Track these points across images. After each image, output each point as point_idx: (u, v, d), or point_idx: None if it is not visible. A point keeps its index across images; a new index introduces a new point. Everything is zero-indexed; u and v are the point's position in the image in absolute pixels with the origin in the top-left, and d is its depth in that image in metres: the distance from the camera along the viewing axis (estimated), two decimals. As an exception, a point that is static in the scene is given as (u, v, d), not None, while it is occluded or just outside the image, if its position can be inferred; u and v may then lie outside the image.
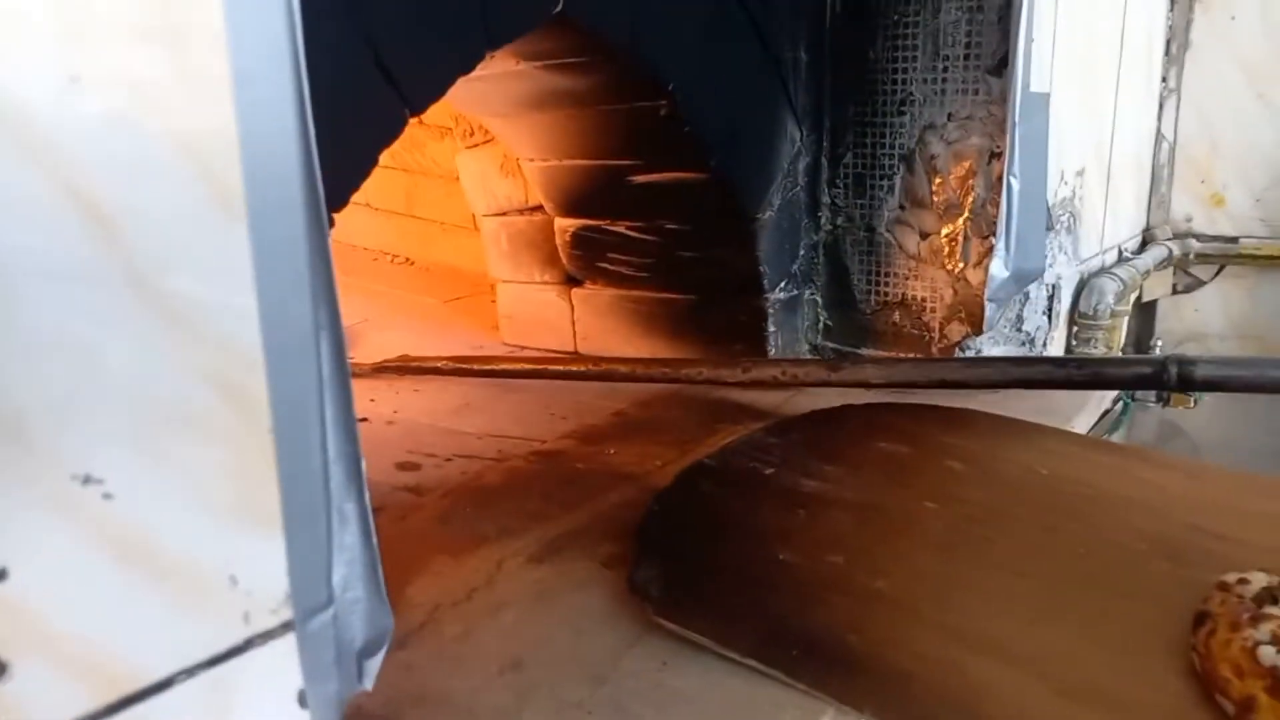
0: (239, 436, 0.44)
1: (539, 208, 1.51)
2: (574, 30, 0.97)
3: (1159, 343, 1.67)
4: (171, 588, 0.43)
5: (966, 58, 1.18)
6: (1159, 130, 1.79)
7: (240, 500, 0.45)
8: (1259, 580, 0.70)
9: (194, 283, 0.41)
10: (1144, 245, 1.78)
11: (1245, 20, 1.70)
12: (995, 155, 1.19)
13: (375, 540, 0.52)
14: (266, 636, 0.47)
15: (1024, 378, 0.78)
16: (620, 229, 1.40)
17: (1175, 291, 1.83)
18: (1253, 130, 1.74)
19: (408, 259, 2.39)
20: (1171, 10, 1.75)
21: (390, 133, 0.77)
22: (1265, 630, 0.63)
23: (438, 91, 0.80)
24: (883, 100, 1.26)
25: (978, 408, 1.16)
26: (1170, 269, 1.78)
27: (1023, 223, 1.22)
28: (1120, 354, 1.49)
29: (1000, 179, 1.19)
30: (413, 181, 2.25)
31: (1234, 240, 1.78)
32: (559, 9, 0.91)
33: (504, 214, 1.59)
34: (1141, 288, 1.68)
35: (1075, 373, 0.76)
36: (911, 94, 1.24)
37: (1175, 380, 0.69)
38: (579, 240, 1.47)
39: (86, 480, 0.40)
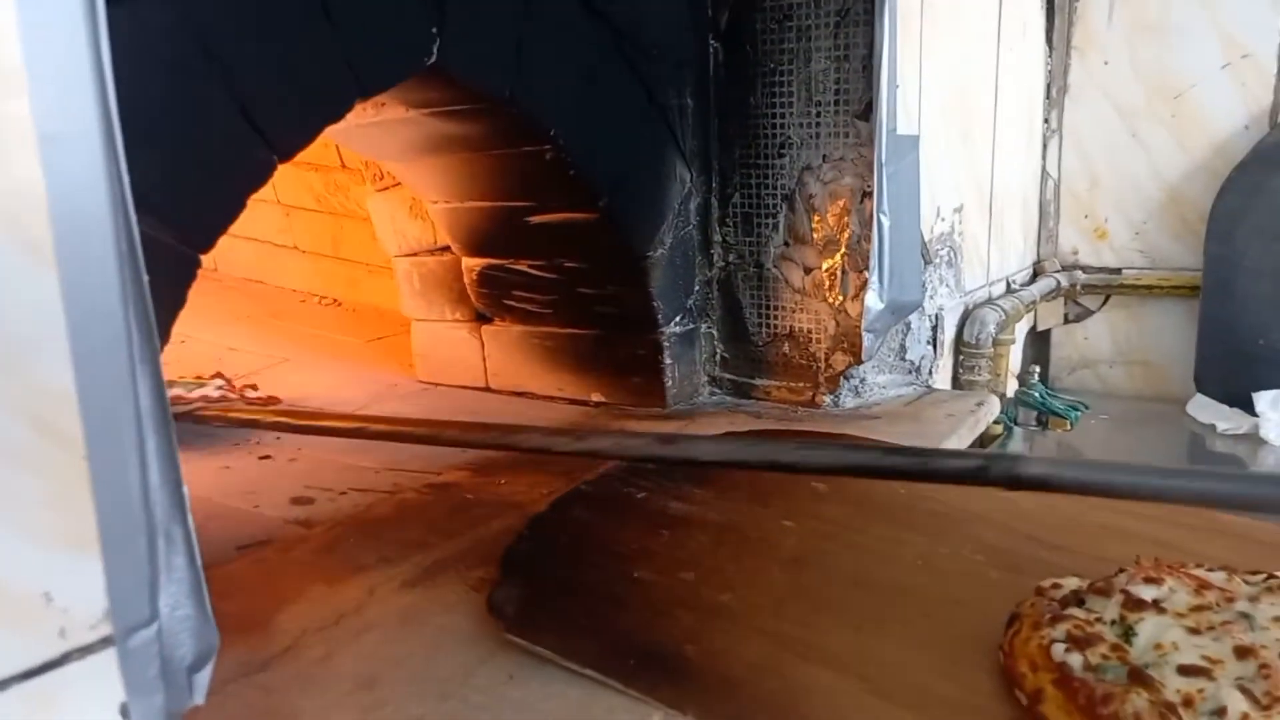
0: (54, 467, 0.48)
1: (447, 248, 1.55)
2: (451, 81, 1.02)
3: (1035, 370, 1.74)
4: (-15, 602, 0.46)
5: (836, 103, 1.26)
6: (1044, 168, 1.89)
7: (57, 525, 0.48)
8: (1070, 584, 0.76)
9: (5, 325, 0.45)
10: (1034, 277, 1.87)
11: (1117, 64, 1.81)
12: (867, 194, 1.26)
13: (199, 562, 0.55)
14: (85, 651, 0.50)
15: (855, 464, 0.83)
16: (523, 267, 1.45)
17: (1067, 320, 1.92)
18: (1129, 166, 1.84)
19: (335, 300, 2.42)
20: (1050, 56, 1.85)
21: (258, 178, 0.81)
22: (1061, 630, 0.68)
23: (306, 139, 0.85)
24: (764, 143, 1.33)
25: (855, 432, 1.22)
26: (1061, 299, 1.87)
27: (895, 257, 1.28)
28: (1005, 381, 1.56)
29: (872, 216, 1.25)
30: (339, 224, 2.29)
31: (1117, 271, 1.87)
32: (432, 60, 0.96)
33: (415, 254, 1.63)
34: (1036, 317, 1.77)
35: (902, 462, 0.82)
36: (789, 137, 1.31)
37: (999, 477, 0.74)
38: (485, 279, 1.51)
39: (-104, 506, 0.43)
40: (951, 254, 1.46)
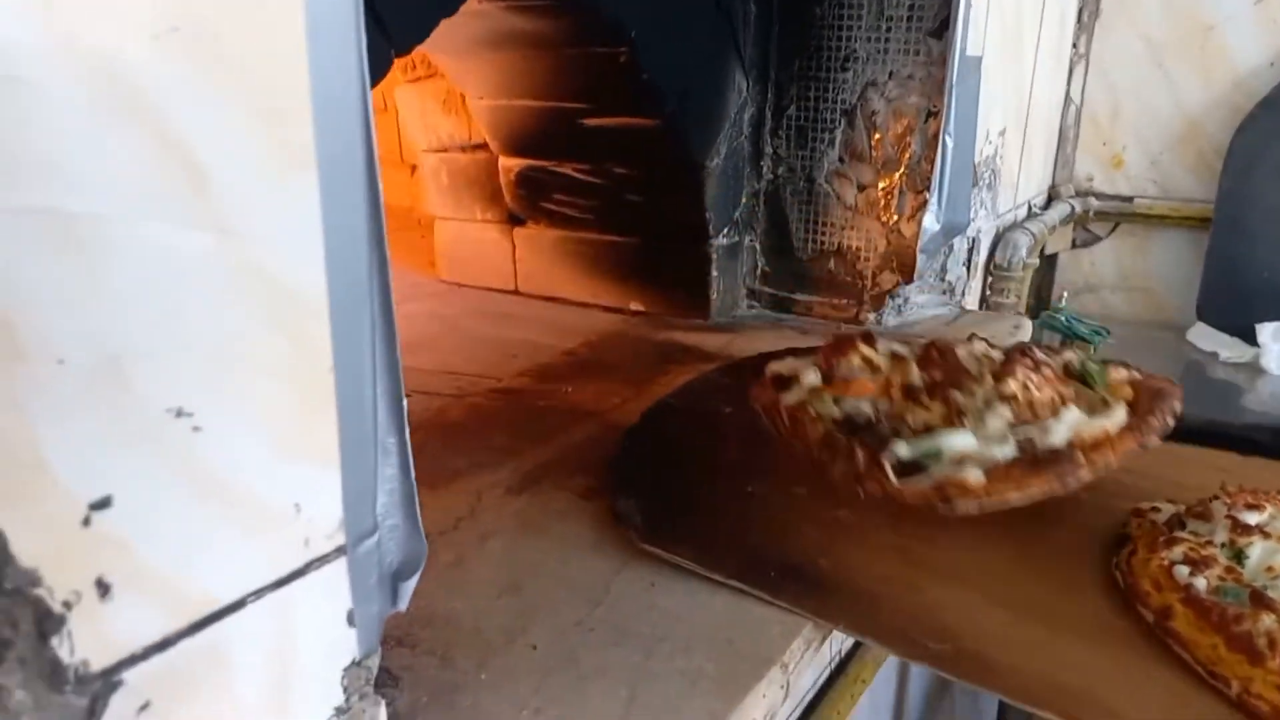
0: (305, 377, 0.47)
1: (483, 145, 1.51)
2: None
3: (1064, 295, 1.80)
4: (243, 516, 0.46)
5: (909, 19, 1.24)
6: (1068, 93, 1.91)
7: (304, 435, 0.48)
8: (1167, 509, 0.80)
9: (269, 233, 0.43)
10: (1049, 202, 1.90)
11: (1150, -6, 1.82)
12: (932, 114, 1.26)
13: (413, 473, 0.55)
14: (322, 561, 0.50)
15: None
16: (567, 171, 1.42)
17: (1074, 246, 1.97)
18: (1152, 98, 1.87)
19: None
20: (1086, -20, 1.85)
21: (378, 73, 0.78)
22: (1178, 552, 0.72)
23: (423, 34, 0.81)
24: (828, 56, 1.31)
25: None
26: (1071, 225, 1.91)
27: (954, 179, 1.30)
28: (1026, 303, 1.61)
29: (936, 137, 1.26)
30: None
31: (1129, 200, 1.92)
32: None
33: (445, 150, 1.58)
34: (1045, 241, 1.80)
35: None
36: (855, 51, 1.29)
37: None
38: (524, 180, 1.48)
39: (179, 414, 0.42)
40: (992, 177, 1.48)
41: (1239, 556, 0.72)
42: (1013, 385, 0.72)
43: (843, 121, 1.33)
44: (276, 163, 0.43)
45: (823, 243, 1.40)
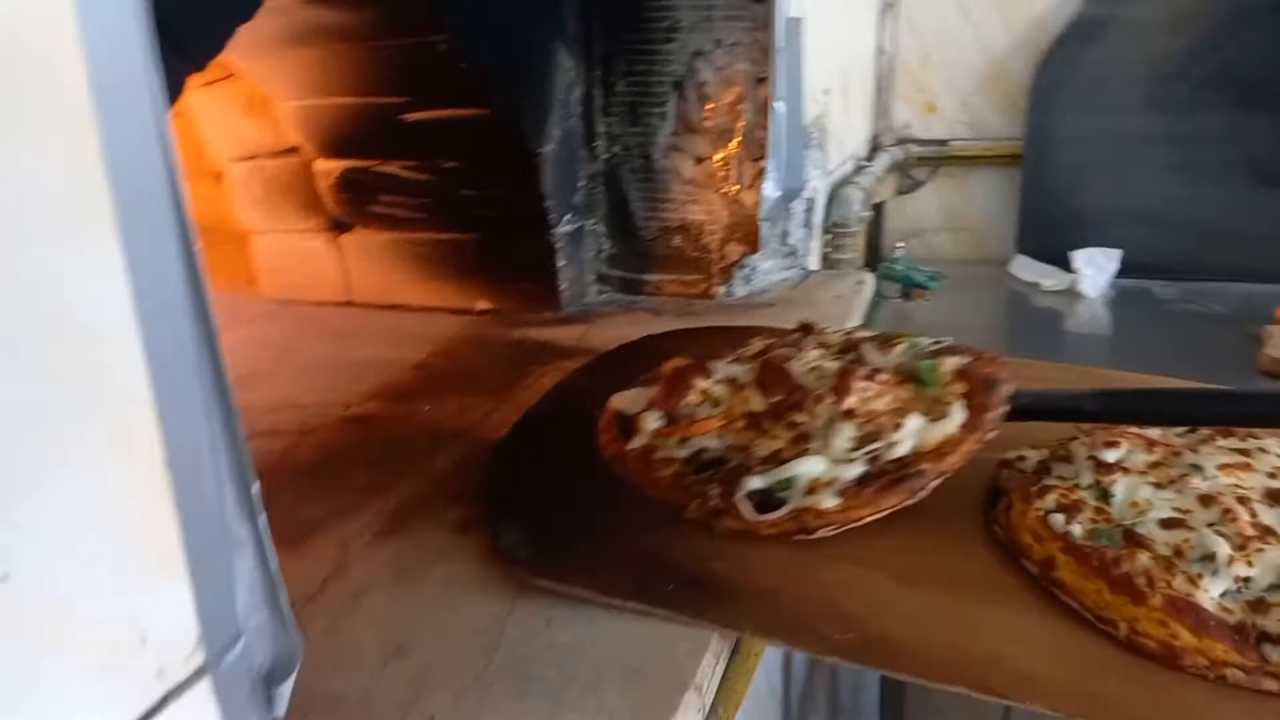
0: (137, 479, 0.40)
1: (295, 149, 1.40)
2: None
3: (900, 246, 1.85)
4: (77, 657, 0.39)
5: (729, -15, 1.22)
6: (881, 44, 1.95)
7: (145, 548, 0.41)
8: (1033, 456, 0.83)
9: (75, 318, 0.36)
10: (873, 153, 1.95)
11: (949, -60, 1.89)
12: (761, 80, 1.25)
13: (273, 561, 0.49)
14: (182, 689, 0.43)
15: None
16: (393, 169, 1.34)
17: (899, 193, 2.03)
18: (958, 43, 1.94)
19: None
20: (886, -69, 1.89)
21: (174, 93, 0.68)
22: (1051, 500, 0.74)
23: (219, 45, 0.72)
24: (652, 27, 1.28)
25: (759, 322, 1.25)
26: (894, 173, 1.97)
27: (788, 144, 1.30)
28: (863, 256, 1.64)
29: (767, 103, 1.25)
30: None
31: (945, 143, 2.00)
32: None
33: (253, 157, 1.46)
34: (874, 193, 1.85)
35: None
36: (679, 21, 1.26)
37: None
38: (346, 183, 1.39)
39: (-25, 568, 0.34)
40: (821, 136, 1.50)
41: (1105, 496, 0.75)
42: (851, 400, 0.73)
43: (674, 94, 1.30)
44: (69, 220, 0.36)
45: (665, 220, 1.37)
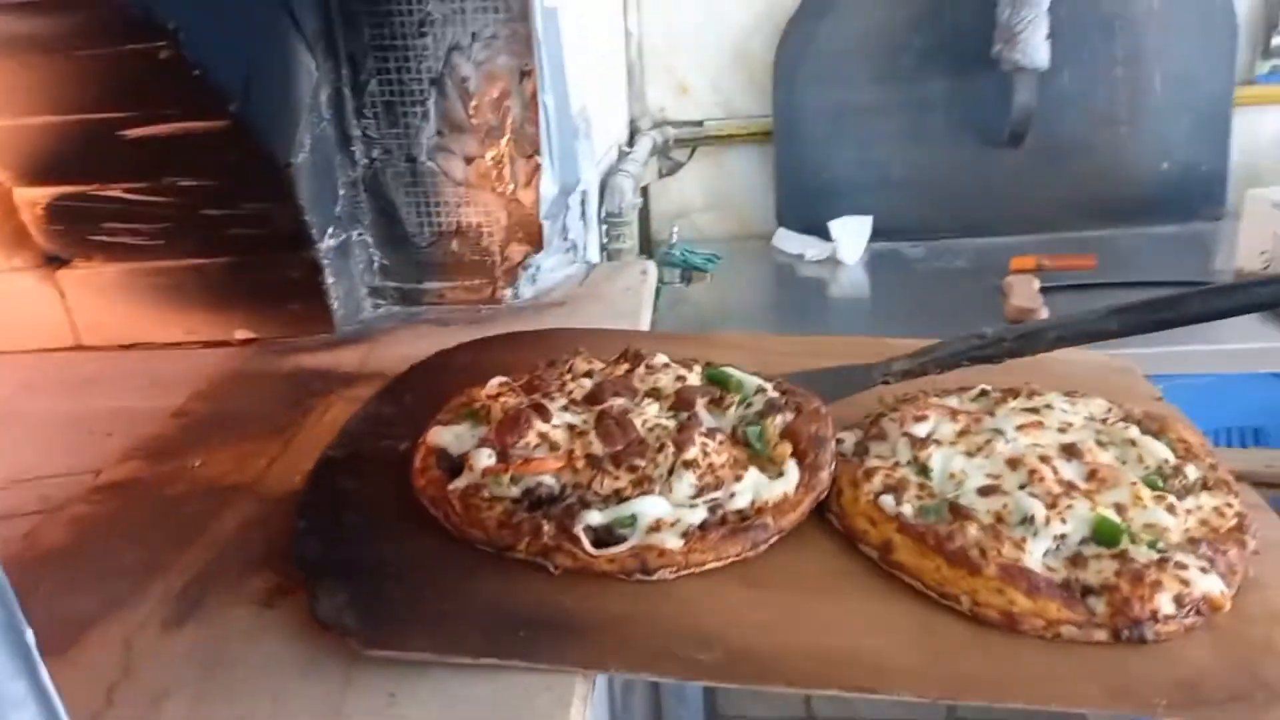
0: None
1: (-14, 177, 1.19)
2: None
3: (675, 230, 1.87)
4: None
5: (479, -25, 1.16)
6: (626, 28, 1.95)
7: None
8: (849, 437, 0.85)
9: None
10: (632, 138, 1.95)
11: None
12: (525, 73, 1.20)
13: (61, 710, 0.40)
14: None
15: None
16: (115, 193, 1.17)
17: (661, 175, 2.05)
18: (701, 25, 1.97)
19: None
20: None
21: None
22: (878, 482, 0.77)
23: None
24: (400, 21, 1.19)
25: (552, 323, 1.21)
26: (655, 156, 1.98)
27: (560, 137, 1.26)
28: (637, 244, 1.65)
29: (535, 97, 1.20)
30: None
31: (700, 124, 2.04)
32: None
33: (-70, 190, 1.22)
34: (641, 179, 1.86)
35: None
36: (430, 14, 1.18)
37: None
38: (57, 213, 1.19)
39: None
40: (587, 126, 1.47)
41: (924, 471, 0.78)
42: (693, 451, 0.73)
43: (433, 92, 1.22)
44: None
45: (440, 224, 1.30)
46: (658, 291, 1.54)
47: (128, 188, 1.16)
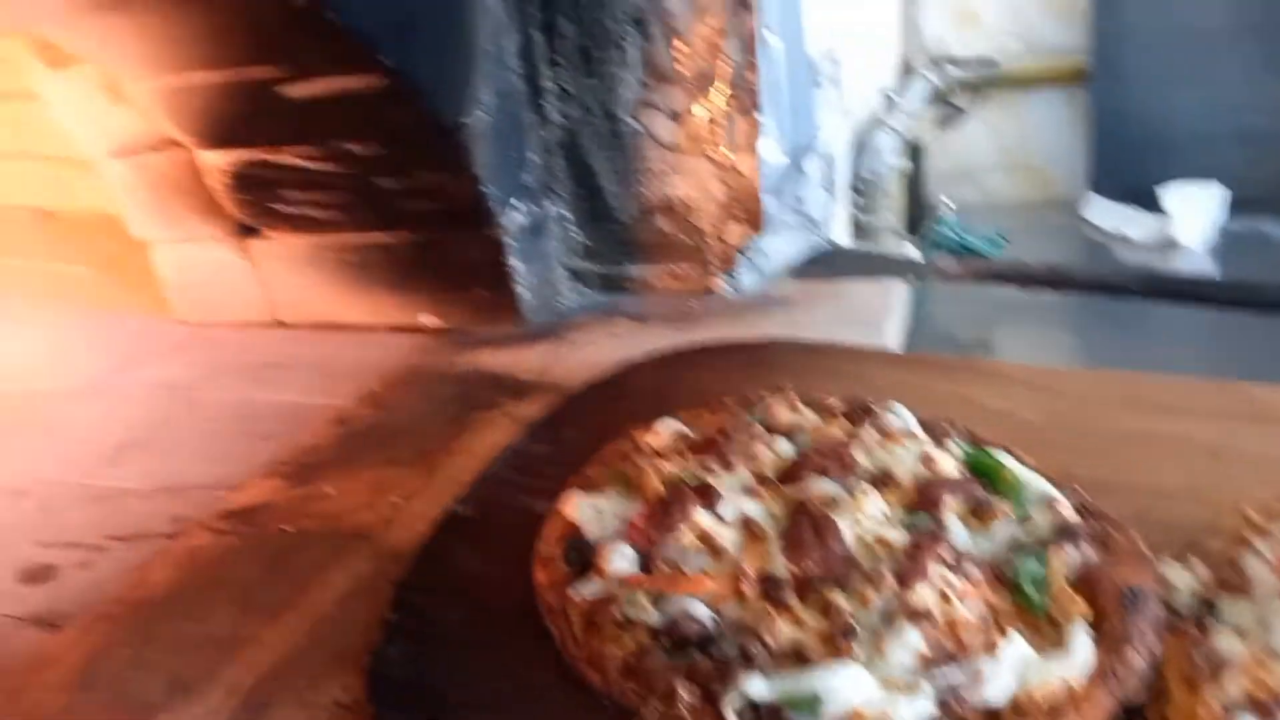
0: None
1: (175, 141, 1.12)
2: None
3: (949, 204, 1.53)
4: None
5: (693, -120, 0.91)
6: (900, -58, 1.61)
7: None
8: (1184, 581, 0.54)
9: None
10: (901, 82, 1.62)
11: None
12: (743, 5, 0.94)
13: None
14: None
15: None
16: (290, 159, 1.05)
17: (938, 129, 1.70)
18: (999, -67, 1.59)
19: (44, 213, 1.86)
20: None
21: None
22: (1234, 688, 0.46)
23: None
24: (599, -52, 0.97)
25: (775, 329, 0.96)
26: (931, 104, 1.64)
27: (789, 86, 0.99)
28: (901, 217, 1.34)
29: (754, 35, 0.95)
30: (16, 111, 1.72)
31: (992, 62, 1.65)
32: None
33: (131, 154, 1.18)
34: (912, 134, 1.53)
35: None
36: (633, -65, 0.95)
37: None
38: (241, 180, 1.11)
39: None
40: (834, 69, 1.18)
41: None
42: (925, 595, 0.48)
43: (635, 31, 0.99)
44: None
45: (645, 197, 1.08)
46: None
47: (299, 153, 1.04)
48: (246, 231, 1.18)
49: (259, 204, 1.13)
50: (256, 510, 0.82)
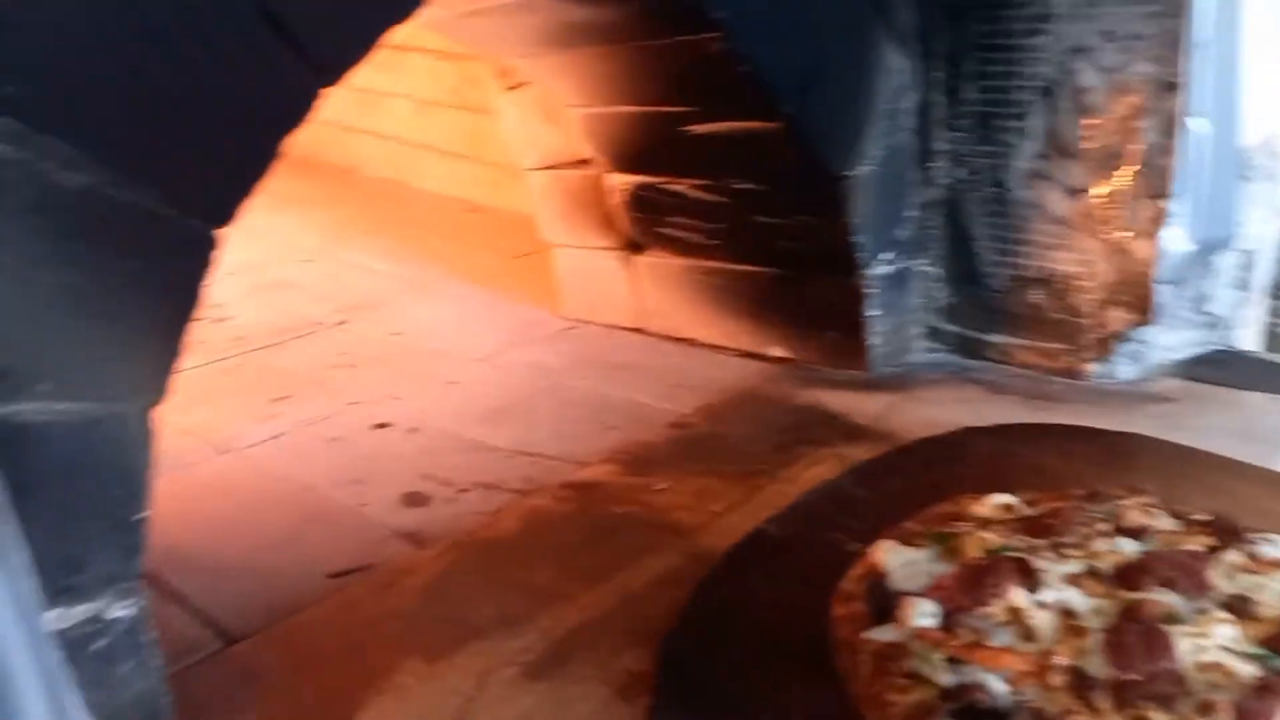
0: None
1: (588, 161, 1.27)
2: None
3: None
4: None
5: (1131, -46, 0.87)
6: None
7: None
8: None
9: None
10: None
11: None
12: (1169, 86, 0.88)
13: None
14: None
15: None
16: (682, 188, 1.15)
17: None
18: None
19: (475, 207, 2.19)
20: None
21: (294, 112, 0.54)
22: None
23: (358, 53, 0.57)
24: (1013, 15, 0.96)
25: (1144, 427, 0.88)
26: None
27: (1211, 176, 0.91)
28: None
29: (1176, 118, 0.88)
30: (475, 122, 2.03)
31: None
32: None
33: (553, 167, 1.35)
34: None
35: None
36: (1052, 6, 0.93)
37: None
38: (637, 200, 1.23)
39: None
40: (1272, 162, 1.05)
41: None
42: None
43: (1041, 103, 0.97)
44: None
45: (1022, 268, 1.04)
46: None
47: (692, 184, 1.13)
48: (633, 247, 1.30)
49: (648, 224, 1.24)
50: (594, 487, 0.91)
